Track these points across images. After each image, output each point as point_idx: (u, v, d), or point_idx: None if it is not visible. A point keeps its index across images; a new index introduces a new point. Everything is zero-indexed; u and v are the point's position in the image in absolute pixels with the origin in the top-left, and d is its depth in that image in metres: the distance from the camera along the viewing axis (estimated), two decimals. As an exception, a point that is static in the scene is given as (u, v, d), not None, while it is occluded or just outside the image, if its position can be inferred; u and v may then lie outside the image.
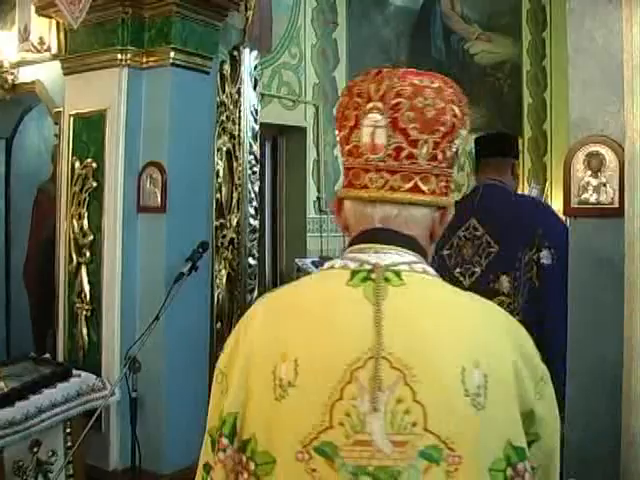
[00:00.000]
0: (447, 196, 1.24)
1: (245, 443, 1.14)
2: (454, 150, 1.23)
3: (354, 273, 1.17)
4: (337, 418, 1.08)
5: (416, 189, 1.20)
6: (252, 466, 1.12)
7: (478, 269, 2.87)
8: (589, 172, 2.33)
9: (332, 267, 1.22)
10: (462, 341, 1.12)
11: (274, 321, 1.19)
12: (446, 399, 1.08)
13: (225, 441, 1.16)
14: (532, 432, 1.15)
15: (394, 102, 1.19)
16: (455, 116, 1.21)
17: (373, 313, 1.12)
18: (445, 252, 2.95)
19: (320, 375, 1.10)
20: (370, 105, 1.20)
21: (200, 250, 3.66)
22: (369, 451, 1.07)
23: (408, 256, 1.19)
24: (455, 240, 2.95)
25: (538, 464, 1.17)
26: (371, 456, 1.07)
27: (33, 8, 4.25)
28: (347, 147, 1.24)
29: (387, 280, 1.15)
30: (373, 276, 1.16)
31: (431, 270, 1.21)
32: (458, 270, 2.92)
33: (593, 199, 2.32)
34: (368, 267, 1.17)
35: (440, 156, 1.21)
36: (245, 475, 1.13)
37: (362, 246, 1.22)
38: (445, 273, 2.81)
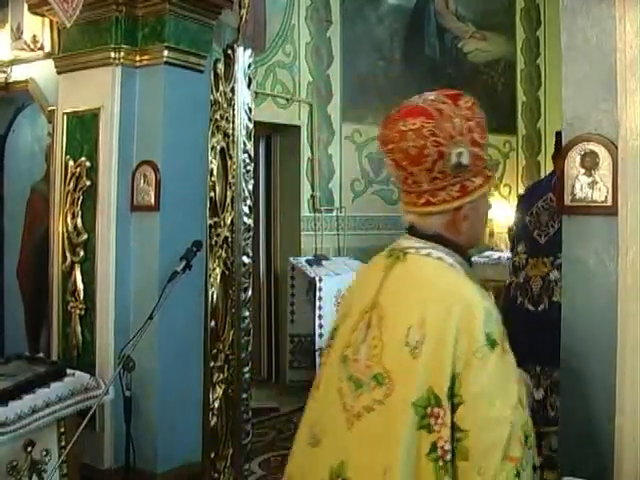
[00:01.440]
0: (461, 198, 1.64)
1: None
2: (455, 164, 1.59)
3: (389, 252, 1.73)
4: (352, 341, 1.69)
5: (428, 203, 1.65)
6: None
7: (552, 230, 3.41)
8: (583, 170, 2.33)
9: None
10: (418, 304, 1.59)
11: (355, 280, 1.88)
12: (394, 344, 1.58)
13: (326, 344, 1.85)
14: (460, 394, 1.50)
15: (389, 147, 1.65)
16: (438, 144, 1.57)
17: (381, 278, 1.68)
18: (527, 219, 3.60)
19: (353, 313, 1.73)
20: (383, 149, 1.68)
21: (194, 249, 3.64)
22: (357, 366, 1.64)
23: (418, 244, 1.68)
24: (534, 209, 3.57)
25: (468, 428, 1.48)
26: (356, 370, 1.64)
27: (26, 6, 4.23)
28: None
29: (398, 258, 1.69)
30: (393, 254, 1.70)
31: (436, 253, 1.65)
32: (536, 232, 3.53)
33: (587, 197, 2.33)
34: (394, 248, 1.72)
35: (439, 176, 1.61)
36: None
37: (403, 236, 1.74)
38: (527, 235, 3.59)
